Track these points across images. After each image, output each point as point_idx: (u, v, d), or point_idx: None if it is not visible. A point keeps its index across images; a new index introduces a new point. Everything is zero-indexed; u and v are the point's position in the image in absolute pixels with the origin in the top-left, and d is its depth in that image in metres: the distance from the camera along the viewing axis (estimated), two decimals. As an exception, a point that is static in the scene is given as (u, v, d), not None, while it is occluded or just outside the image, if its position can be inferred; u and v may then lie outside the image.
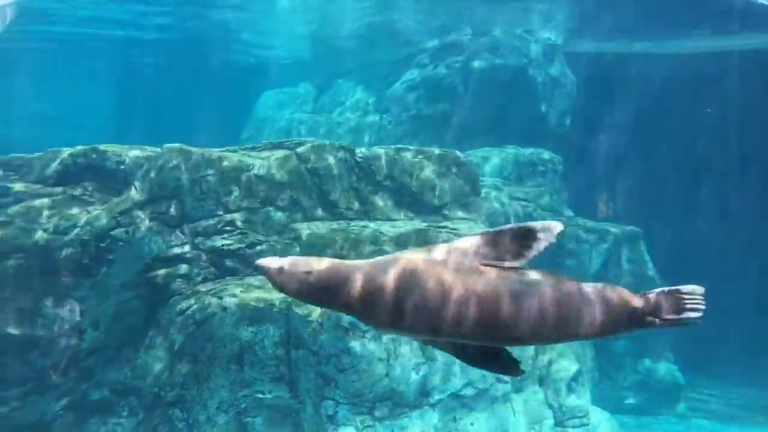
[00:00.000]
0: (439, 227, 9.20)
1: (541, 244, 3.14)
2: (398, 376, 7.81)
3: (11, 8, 8.04)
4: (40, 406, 8.97)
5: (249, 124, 20.55)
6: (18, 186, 10.13)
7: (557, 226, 3.19)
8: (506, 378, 8.44)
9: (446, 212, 10.10)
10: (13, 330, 9.12)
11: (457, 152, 10.61)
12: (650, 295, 3.28)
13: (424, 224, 9.40)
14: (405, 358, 7.86)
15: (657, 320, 3.27)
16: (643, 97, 16.43)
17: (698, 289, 3.30)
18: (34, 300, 9.14)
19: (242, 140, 19.13)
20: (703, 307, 3.29)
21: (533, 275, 3.17)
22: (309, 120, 18.39)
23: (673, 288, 3.30)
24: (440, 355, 8.06)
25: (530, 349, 8.72)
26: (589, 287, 3.23)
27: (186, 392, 8.38)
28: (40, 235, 9.27)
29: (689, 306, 3.25)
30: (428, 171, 10.17)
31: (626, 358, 13.73)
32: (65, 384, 8.95)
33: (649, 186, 17.19)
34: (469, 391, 8.24)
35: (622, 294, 3.27)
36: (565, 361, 9.17)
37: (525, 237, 3.16)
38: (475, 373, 8.21)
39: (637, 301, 3.26)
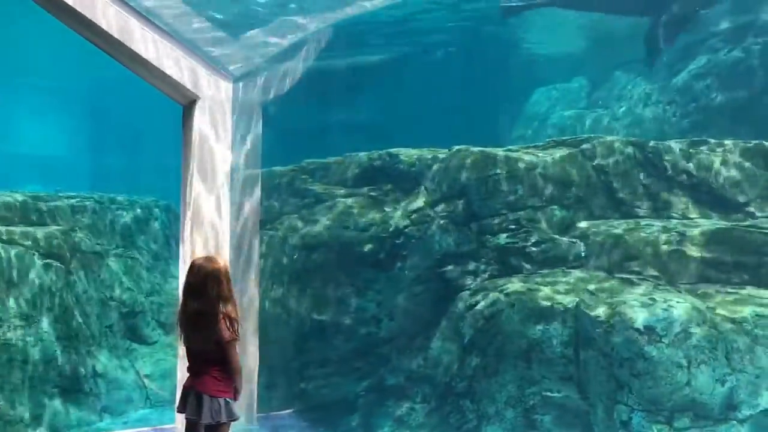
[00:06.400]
0: (746, 227, 8.40)
1: None
2: (701, 385, 7.27)
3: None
4: (342, 386, 9.93)
5: (520, 121, 20.56)
6: (318, 188, 11.32)
7: None
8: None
9: (752, 210, 9.18)
10: (319, 316, 10.22)
11: (763, 143, 9.59)
12: None
13: (729, 223, 8.64)
14: (709, 367, 7.30)
15: None
16: None
17: None
18: (337, 290, 10.15)
19: (513, 138, 19.20)
20: None
21: None
22: (584, 116, 17.89)
23: None
24: (750, 367, 7.36)
25: None
26: None
27: (475, 384, 8.67)
28: (342, 231, 10.25)
29: None
30: (730, 165, 9.33)
31: None
32: (365, 368, 9.80)
33: None
34: (785, 410, 7.39)
35: None
36: None
37: None
38: (794, 390, 7.36)
39: None
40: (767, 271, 8.17)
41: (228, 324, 4.27)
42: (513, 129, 20.44)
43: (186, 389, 4.45)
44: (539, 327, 8.26)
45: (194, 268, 4.42)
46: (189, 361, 4.46)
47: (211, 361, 4.32)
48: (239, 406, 7.32)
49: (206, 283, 4.28)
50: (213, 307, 4.27)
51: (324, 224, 10.48)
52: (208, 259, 4.53)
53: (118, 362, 11.25)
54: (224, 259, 4.59)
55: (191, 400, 4.35)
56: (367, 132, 15.81)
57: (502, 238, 9.34)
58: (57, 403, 9.86)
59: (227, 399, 4.36)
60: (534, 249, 9.24)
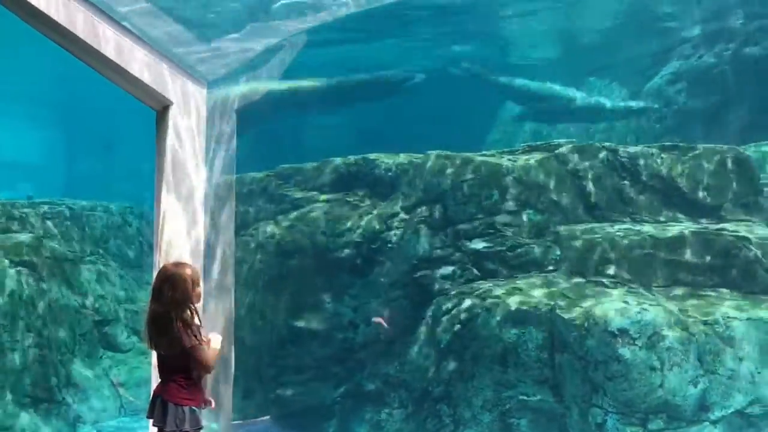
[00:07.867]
0: (717, 230, 8.51)
1: None
2: (674, 387, 7.35)
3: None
4: (320, 392, 9.88)
5: (495, 126, 20.66)
6: (295, 193, 11.27)
7: None
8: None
9: (722, 213, 9.31)
10: (296, 322, 10.17)
11: (734, 147, 9.74)
12: None
13: (698, 226, 8.76)
14: (681, 369, 7.38)
15: None
16: None
17: None
18: (314, 296, 10.11)
19: (488, 143, 19.26)
20: None
21: None
22: (559, 120, 18.02)
23: None
24: (722, 368, 7.45)
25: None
26: None
27: (452, 389, 8.68)
28: (318, 237, 10.22)
29: None
30: (700, 169, 9.46)
31: None
32: (342, 373, 9.76)
33: None
34: (755, 410, 7.50)
35: None
36: None
37: None
38: (764, 390, 7.46)
39: None
40: (738, 273, 8.29)
41: (189, 330, 4.21)
42: (488, 134, 20.54)
43: (154, 395, 4.40)
44: (515, 331, 8.30)
45: (160, 271, 4.42)
46: (158, 368, 4.42)
47: (176, 368, 4.26)
48: (213, 413, 7.25)
49: (163, 286, 4.26)
50: (167, 311, 4.22)
51: (300, 230, 10.44)
52: (177, 264, 4.50)
53: (92, 371, 11.09)
54: (194, 267, 4.51)
55: (158, 406, 4.30)
56: (343, 137, 15.81)
57: (478, 242, 9.37)
58: (29, 413, 9.70)
59: (192, 407, 4.29)
60: (509, 253, 9.28)
